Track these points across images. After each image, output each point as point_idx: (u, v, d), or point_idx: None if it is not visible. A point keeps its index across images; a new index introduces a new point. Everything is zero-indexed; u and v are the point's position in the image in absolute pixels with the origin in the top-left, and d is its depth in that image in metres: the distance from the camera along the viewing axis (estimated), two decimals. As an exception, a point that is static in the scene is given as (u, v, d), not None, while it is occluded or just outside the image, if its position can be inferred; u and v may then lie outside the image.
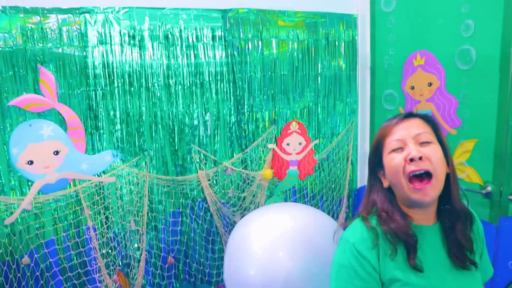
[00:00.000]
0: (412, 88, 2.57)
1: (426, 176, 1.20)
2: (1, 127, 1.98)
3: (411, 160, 1.18)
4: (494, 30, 2.14)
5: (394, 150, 1.23)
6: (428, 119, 1.29)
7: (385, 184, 1.28)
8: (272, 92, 2.65)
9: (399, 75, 2.65)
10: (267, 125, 2.69)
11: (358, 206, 3.16)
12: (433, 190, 1.19)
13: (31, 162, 2.03)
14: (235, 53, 2.50)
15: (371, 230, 1.20)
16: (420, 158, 1.18)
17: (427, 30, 2.45)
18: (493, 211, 2.29)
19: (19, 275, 2.16)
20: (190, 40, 2.38)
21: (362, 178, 3.10)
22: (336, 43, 2.80)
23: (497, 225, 2.26)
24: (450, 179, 1.26)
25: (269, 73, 2.63)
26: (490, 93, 2.19)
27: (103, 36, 2.17)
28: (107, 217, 2.33)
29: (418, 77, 2.53)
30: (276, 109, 2.69)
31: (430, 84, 2.47)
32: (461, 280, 1.21)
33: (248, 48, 2.54)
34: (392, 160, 1.22)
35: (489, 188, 2.27)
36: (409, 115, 1.30)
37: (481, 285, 1.27)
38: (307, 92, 2.77)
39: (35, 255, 2.19)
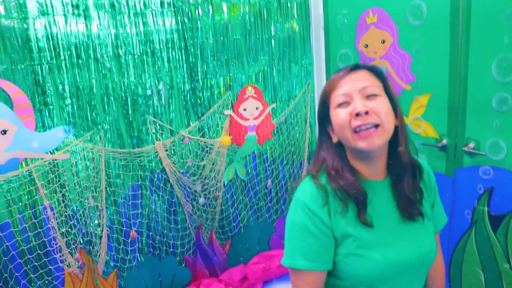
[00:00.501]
0: (366, 46, 2.61)
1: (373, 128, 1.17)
2: None
3: (357, 114, 1.15)
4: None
5: (340, 105, 1.19)
6: (375, 71, 1.24)
7: (334, 139, 1.25)
8: (225, 57, 2.63)
9: (353, 34, 2.68)
10: (222, 91, 2.67)
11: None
12: (378, 137, 1.15)
13: (-23, 144, 1.95)
14: (185, 19, 2.45)
15: (320, 188, 1.19)
16: (367, 113, 1.14)
17: (378, -14, 2.48)
18: (449, 163, 2.39)
19: (-25, 261, 2.10)
20: (138, 7, 2.31)
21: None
22: (288, 5, 2.79)
23: (453, 176, 2.37)
24: (398, 132, 1.23)
25: (222, 38, 2.60)
26: (442, 47, 2.25)
27: (44, 7, 2.07)
28: (64, 195, 2.28)
29: (371, 35, 2.57)
30: (230, 74, 2.67)
31: (383, 41, 2.51)
32: (411, 231, 1.24)
33: (199, 13, 2.50)
34: (338, 116, 1.19)
35: (444, 141, 2.36)
36: (356, 67, 1.24)
37: (432, 235, 1.30)
38: (261, 56, 2.76)
39: (-10, 240, 2.13)
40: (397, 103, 1.25)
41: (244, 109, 2.71)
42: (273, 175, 3.02)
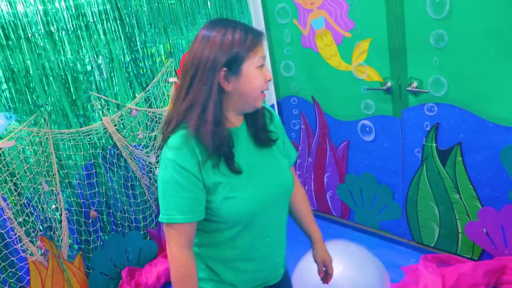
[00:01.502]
0: (303, -3, 2.65)
1: None
2: None
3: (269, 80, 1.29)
4: None
5: (258, 67, 1.25)
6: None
7: (228, 88, 1.23)
8: (162, 24, 2.61)
9: (288, -14, 2.70)
10: (164, 59, 2.66)
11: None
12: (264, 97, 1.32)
13: None
14: (116, -13, 2.40)
15: (187, 141, 1.22)
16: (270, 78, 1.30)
17: None
18: (395, 105, 2.49)
19: None
20: (64, -21, 2.24)
21: (269, 97, 3.18)
22: (220, -38, 2.77)
23: (400, 117, 2.48)
24: None
25: (156, 4, 2.56)
26: (376, -9, 2.32)
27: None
28: (15, 184, 2.24)
29: (306, -15, 2.60)
30: (170, 41, 2.66)
31: (319, -9, 2.55)
32: (271, 169, 1.37)
33: (129, -21, 2.45)
34: (256, 77, 1.24)
35: (389, 84, 2.46)
36: (260, 31, 1.29)
37: (288, 169, 1.43)
38: (199, 19, 2.75)
39: None
40: None
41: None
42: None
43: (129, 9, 2.47)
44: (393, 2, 2.26)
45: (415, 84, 2.33)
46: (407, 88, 2.36)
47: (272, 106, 3.21)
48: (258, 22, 2.98)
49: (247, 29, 1.25)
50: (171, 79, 2.68)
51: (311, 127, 3.00)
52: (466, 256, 2.50)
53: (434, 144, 2.39)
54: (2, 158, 2.17)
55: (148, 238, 2.87)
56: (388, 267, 2.57)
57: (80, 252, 2.56)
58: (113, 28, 2.43)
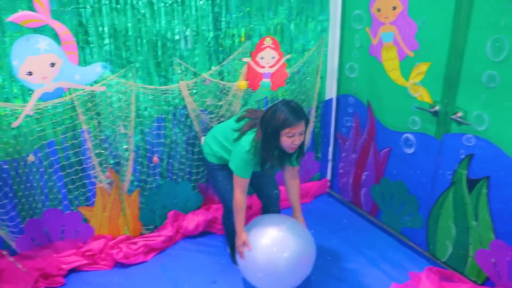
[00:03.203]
0: (379, 10, 2.85)
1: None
2: (1, 41, 2.27)
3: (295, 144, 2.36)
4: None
5: (288, 136, 2.31)
6: (307, 121, 2.37)
7: (278, 142, 2.36)
8: (248, 9, 2.92)
9: (368, -3, 2.92)
10: (242, 40, 2.98)
11: (326, 116, 3.57)
12: (294, 150, 2.44)
13: (30, 73, 2.35)
14: (214, -28, 2.73)
15: (257, 148, 2.41)
16: (297, 143, 2.36)
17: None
18: (438, 128, 2.69)
19: (27, 170, 2.58)
20: (172, -41, 2.60)
21: (330, 91, 3.47)
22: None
23: (440, 139, 2.68)
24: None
25: (246, -9, 2.88)
26: (445, 21, 2.48)
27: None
28: (99, 122, 2.71)
29: (384, 0, 2.79)
30: (251, 25, 2.97)
31: (394, 8, 2.74)
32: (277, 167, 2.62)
33: (227, -34, 2.77)
34: (286, 141, 2.34)
35: (437, 108, 2.65)
36: (301, 118, 2.31)
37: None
38: (281, 10, 3.03)
39: (39, 154, 2.60)
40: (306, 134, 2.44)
41: (261, 58, 3.03)
42: (283, 120, 3.38)
43: (222, -8, 2.80)
44: (458, 36, 2.42)
45: (460, 114, 2.51)
46: (452, 116, 2.54)
47: (331, 100, 3.48)
48: (334, 22, 3.22)
49: (289, 115, 2.30)
50: (245, 59, 3.00)
51: (361, 127, 3.25)
52: (471, 278, 2.71)
53: (465, 172, 2.58)
54: (93, 99, 2.63)
55: (196, 190, 3.29)
56: (398, 269, 2.88)
57: (138, 189, 3.03)
58: (204, 7, 2.77)
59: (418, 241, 3.04)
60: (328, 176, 3.81)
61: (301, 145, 2.46)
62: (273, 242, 2.48)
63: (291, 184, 2.76)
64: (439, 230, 2.85)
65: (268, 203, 2.94)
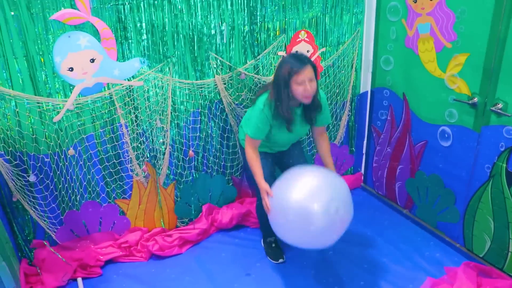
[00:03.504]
0: (415, 1, 2.82)
1: None
2: (45, 39, 2.34)
3: (307, 91, 2.38)
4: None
5: (298, 84, 2.36)
6: (313, 66, 2.40)
7: (291, 93, 2.41)
8: (283, 3, 2.93)
9: (405, -12, 2.89)
10: (277, 34, 3.00)
11: (360, 110, 3.56)
12: (310, 99, 2.44)
13: (71, 69, 2.42)
14: (249, -34, 2.75)
15: (272, 107, 2.48)
16: (310, 91, 2.38)
17: None
18: (477, 120, 2.66)
19: (67, 163, 2.67)
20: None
21: (365, 84, 3.45)
22: (347, -44, 3.01)
23: (479, 132, 2.65)
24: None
25: (280, -15, 2.89)
26: (485, 11, 2.44)
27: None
28: (136, 116, 2.77)
29: (421, -9, 2.77)
30: (286, 19, 2.99)
31: (432, -1, 2.72)
32: (304, 126, 2.65)
33: (262, -39, 2.79)
34: (297, 90, 2.39)
35: (475, 99, 2.62)
36: (306, 62, 2.36)
37: (306, 129, 2.72)
38: (315, 3, 3.03)
39: (79, 148, 2.68)
40: (317, 82, 2.45)
41: (296, 51, 3.03)
42: (317, 113, 3.39)
43: (257, -14, 2.82)
44: (498, 26, 2.38)
45: (500, 105, 2.48)
46: (491, 108, 2.51)
47: (366, 93, 3.47)
48: (369, 14, 3.21)
49: (294, 62, 2.38)
50: (280, 53, 3.02)
51: (396, 120, 3.24)
52: (511, 274, 2.67)
53: (504, 165, 2.54)
54: (131, 93, 2.69)
55: (230, 184, 3.33)
56: (434, 263, 2.87)
57: (173, 182, 3.08)
58: (239, 1, 2.79)
59: (454, 236, 3.01)
60: (362, 170, 3.80)
61: (315, 99, 2.50)
62: (302, 188, 2.27)
63: (320, 140, 2.79)
64: (476, 224, 2.82)
65: None
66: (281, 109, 2.45)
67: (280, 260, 2.91)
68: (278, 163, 2.88)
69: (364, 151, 3.71)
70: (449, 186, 2.95)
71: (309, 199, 2.20)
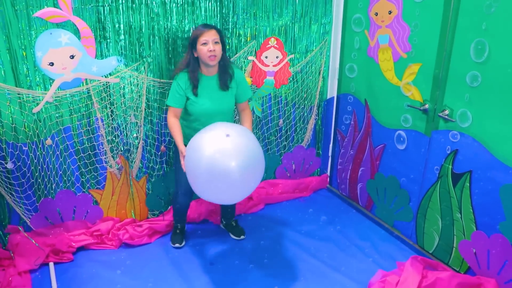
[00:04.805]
0: (376, 14, 3.13)
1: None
2: (28, 34, 2.60)
3: (210, 51, 2.71)
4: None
5: (202, 44, 2.71)
6: (218, 30, 2.78)
7: (196, 55, 2.78)
8: (254, 11, 3.23)
9: (367, 2, 3.21)
10: (248, 39, 3.29)
11: (327, 114, 3.86)
12: (215, 61, 2.77)
13: (52, 64, 2.68)
14: (222, -24, 3.05)
15: (184, 76, 2.82)
16: (214, 51, 2.72)
17: (392, -37, 2.97)
18: (428, 125, 2.95)
19: (44, 153, 2.91)
20: (184, -38, 2.92)
21: (332, 90, 3.76)
22: (315, -31, 3.33)
23: (430, 136, 2.94)
24: (224, 57, 2.86)
25: (252, -6, 3.19)
26: (434, 26, 2.75)
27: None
28: (112, 111, 3.03)
29: (381, 5, 3.08)
30: (257, 26, 3.28)
31: (390, 12, 3.02)
32: (223, 97, 2.89)
33: (234, -29, 3.09)
34: (202, 50, 2.72)
35: (426, 106, 2.92)
36: (211, 27, 2.77)
37: (233, 100, 2.96)
38: (285, 12, 3.34)
39: (56, 138, 2.93)
40: (224, 45, 2.84)
41: (266, 57, 3.33)
42: (285, 116, 3.70)
43: (230, -6, 3.12)
44: (445, 38, 2.69)
45: (446, 112, 2.77)
46: (439, 114, 2.81)
47: (332, 99, 3.77)
48: (337, 25, 3.53)
49: (200, 26, 2.79)
50: (250, 57, 3.31)
51: (359, 124, 3.54)
52: (455, 268, 2.95)
53: (450, 166, 2.84)
54: (108, 89, 2.95)
55: (200, 180, 3.58)
56: (387, 259, 3.15)
57: (145, 175, 3.34)
58: (212, 8, 3.09)
59: (408, 234, 3.29)
60: (328, 172, 4.09)
61: (225, 64, 2.87)
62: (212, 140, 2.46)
63: (242, 115, 3.05)
64: (427, 222, 3.10)
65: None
66: (189, 71, 2.81)
67: (176, 245, 3.25)
68: None
69: (330, 154, 4.00)
70: (404, 187, 3.25)
71: (215, 155, 2.38)
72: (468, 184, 2.75)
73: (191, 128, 2.90)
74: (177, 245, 3.24)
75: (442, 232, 3.01)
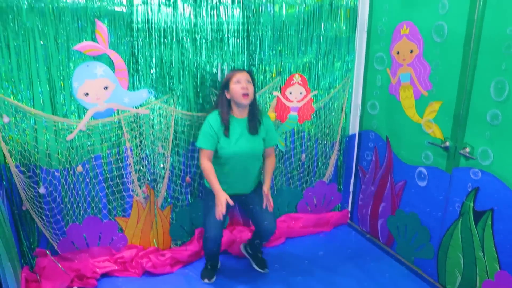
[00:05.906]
0: (398, 53, 3.25)
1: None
2: (67, 66, 2.77)
3: (243, 88, 2.84)
4: (463, 10, 2.74)
5: (236, 83, 2.85)
6: (250, 72, 2.98)
7: (228, 96, 2.92)
8: (279, 48, 3.38)
9: (389, 41, 3.33)
10: (273, 75, 3.42)
11: (349, 150, 3.93)
12: (248, 100, 2.87)
13: (87, 94, 2.84)
14: (250, 14, 3.21)
15: (216, 117, 2.92)
16: (247, 88, 2.85)
17: (413, 3, 3.09)
18: (449, 162, 3.01)
19: (74, 179, 3.04)
20: (214, 2, 3.09)
21: (354, 127, 3.85)
22: (339, 9, 3.47)
23: (450, 173, 2.99)
24: (253, 102, 2.97)
25: (278, 32, 3.34)
26: (455, 64, 2.84)
27: (145, -4, 2.92)
28: (141, 141, 3.16)
29: (402, 44, 3.20)
30: (282, 62, 3.43)
31: (411, 51, 3.13)
32: (251, 142, 2.96)
33: (262, 10, 3.25)
34: (235, 88, 2.86)
35: (447, 143, 2.98)
36: (243, 70, 2.97)
37: (261, 145, 3.02)
38: (309, 50, 3.48)
39: (86, 166, 3.06)
40: (255, 87, 2.96)
41: (290, 93, 3.45)
42: (307, 151, 3.79)
43: (256, 32, 3.27)
44: (465, 77, 2.77)
45: (467, 149, 2.82)
46: (460, 151, 2.86)
47: (354, 135, 3.85)
48: (359, 63, 3.65)
49: (233, 71, 2.95)
50: (275, 93, 3.44)
51: (380, 161, 3.60)
52: (477, 307, 2.94)
53: (472, 204, 2.86)
54: (138, 120, 3.09)
55: (223, 211, 3.66)
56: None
57: (170, 205, 3.43)
58: (240, 44, 3.24)
59: (429, 271, 3.29)
60: (349, 208, 4.13)
61: (254, 106, 2.98)
62: None
63: (267, 160, 3.13)
64: (448, 260, 3.11)
65: (257, 231, 3.22)
66: (221, 112, 2.92)
67: (206, 280, 3.26)
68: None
69: (351, 190, 4.06)
70: (425, 224, 3.27)
71: None
72: (490, 223, 2.76)
73: (221, 172, 2.95)
74: (206, 280, 3.26)
75: (464, 271, 3.00)
